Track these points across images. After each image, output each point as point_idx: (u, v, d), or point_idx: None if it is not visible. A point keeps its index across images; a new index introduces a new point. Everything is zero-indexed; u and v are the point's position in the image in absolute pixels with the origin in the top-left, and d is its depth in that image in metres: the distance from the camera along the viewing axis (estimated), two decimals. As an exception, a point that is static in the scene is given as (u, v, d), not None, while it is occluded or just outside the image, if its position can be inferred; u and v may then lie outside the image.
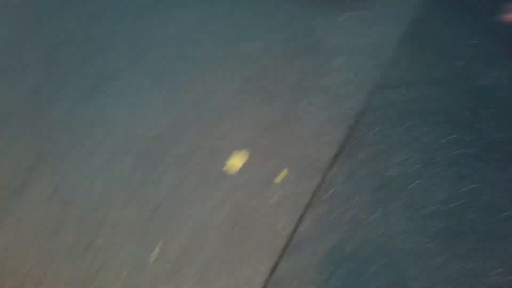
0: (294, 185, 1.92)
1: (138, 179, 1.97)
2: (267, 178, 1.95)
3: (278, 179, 1.95)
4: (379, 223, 1.78)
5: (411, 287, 1.67)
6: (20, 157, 2.09)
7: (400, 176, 1.92)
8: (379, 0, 2.87)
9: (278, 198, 1.88)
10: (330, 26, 2.68)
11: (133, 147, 2.08)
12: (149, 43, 2.59)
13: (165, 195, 1.91)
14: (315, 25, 2.69)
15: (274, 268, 1.71)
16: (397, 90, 2.29)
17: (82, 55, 2.56)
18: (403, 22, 2.69)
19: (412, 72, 2.38)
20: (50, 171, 2.02)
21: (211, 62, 2.45)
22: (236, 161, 2.01)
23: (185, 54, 2.51)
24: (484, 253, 1.71)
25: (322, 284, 1.68)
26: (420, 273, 1.68)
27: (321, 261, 1.72)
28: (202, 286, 1.71)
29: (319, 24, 2.70)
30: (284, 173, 1.96)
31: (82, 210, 1.89)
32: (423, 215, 1.79)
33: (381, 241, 1.74)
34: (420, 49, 2.51)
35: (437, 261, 1.70)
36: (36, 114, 2.26)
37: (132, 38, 2.62)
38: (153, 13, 2.78)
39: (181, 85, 2.33)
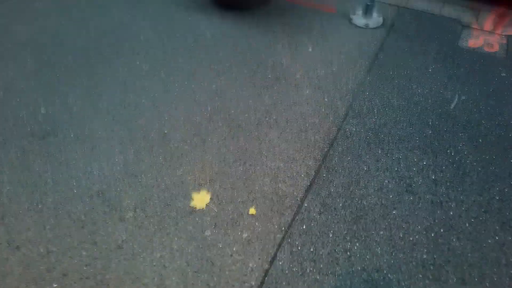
0: (266, 221, 1.77)
1: (95, 223, 1.76)
2: (236, 214, 1.80)
3: (246, 216, 1.79)
4: (358, 258, 1.63)
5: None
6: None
7: (377, 205, 1.81)
8: (343, 34, 2.95)
9: (248, 236, 1.72)
10: (296, 59, 2.69)
11: (85, 193, 1.89)
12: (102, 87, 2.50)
13: (126, 237, 1.71)
14: (281, 58, 2.70)
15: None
16: (367, 118, 2.25)
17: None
18: (367, 54, 2.75)
19: (381, 99, 2.37)
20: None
21: (170, 98, 2.37)
22: (201, 199, 1.85)
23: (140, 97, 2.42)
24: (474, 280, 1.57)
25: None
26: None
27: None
28: None
29: (285, 57, 2.71)
30: (252, 210, 1.81)
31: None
32: (404, 246, 1.66)
33: (362, 277, 1.58)
34: (386, 77, 2.53)
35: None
36: None
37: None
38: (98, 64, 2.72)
39: (139, 128, 2.22)
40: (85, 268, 1.60)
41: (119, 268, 1.60)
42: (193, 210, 1.79)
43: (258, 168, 1.99)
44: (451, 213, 1.77)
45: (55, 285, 1.55)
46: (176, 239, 1.70)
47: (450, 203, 1.80)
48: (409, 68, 2.61)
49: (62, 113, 2.23)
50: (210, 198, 1.85)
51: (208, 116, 2.25)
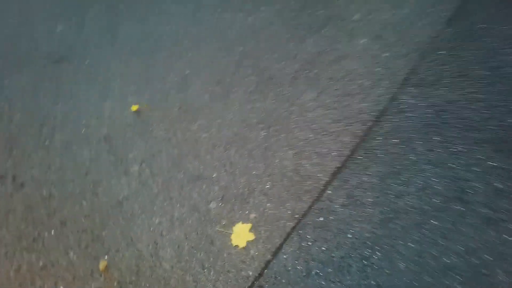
0: (279, 204, 1.55)
1: (99, 172, 1.66)
2: (247, 189, 1.59)
3: (258, 193, 1.58)
4: (375, 271, 1.40)
5: None
6: None
7: (414, 209, 1.50)
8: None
9: (256, 217, 1.53)
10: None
11: (92, 136, 1.74)
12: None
13: (128, 194, 1.59)
14: None
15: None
16: (433, 89, 1.79)
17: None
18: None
19: (458, 64, 1.85)
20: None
21: (196, 32, 2.01)
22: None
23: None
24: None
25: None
26: None
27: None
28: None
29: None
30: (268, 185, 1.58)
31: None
32: (435, 268, 1.39)
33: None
34: (472, 33, 1.94)
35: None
36: None
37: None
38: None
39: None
40: (83, 220, 1.54)
41: (116, 227, 1.52)
42: (200, 176, 1.61)
43: (283, 136, 1.70)
44: (508, 237, 1.42)
45: (52, 232, 1.52)
46: (178, 205, 1.55)
47: (509, 225, 1.44)
48: (508, 22, 1.97)
49: (79, 36, 2.01)
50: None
51: (237, 60, 1.91)
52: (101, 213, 1.55)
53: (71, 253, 1.47)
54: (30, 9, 2.09)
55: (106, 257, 1.46)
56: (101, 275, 1.42)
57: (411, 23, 2.00)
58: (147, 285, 1.39)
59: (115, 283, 1.40)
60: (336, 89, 1.82)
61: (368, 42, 1.95)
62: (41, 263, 1.45)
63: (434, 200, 1.51)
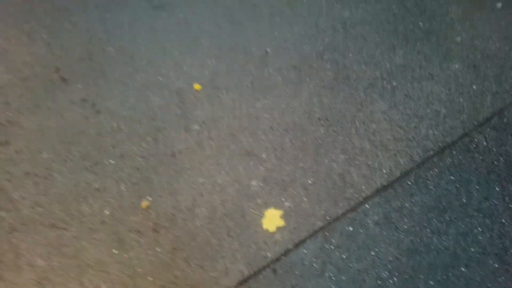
0: (315, 202, 1.59)
1: (164, 121, 1.80)
2: (290, 178, 1.64)
3: (298, 185, 1.63)
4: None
5: None
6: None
7: (448, 250, 1.46)
8: None
9: (289, 206, 1.59)
10: (471, 14, 1.98)
11: (167, 86, 1.87)
12: None
13: (182, 149, 1.73)
14: (451, 6, 2.02)
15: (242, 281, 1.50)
16: (503, 136, 1.67)
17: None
18: None
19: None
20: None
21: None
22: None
23: None
24: None
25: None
26: None
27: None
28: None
29: (458, 5, 2.02)
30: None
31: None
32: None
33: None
34: None
35: None
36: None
37: None
38: None
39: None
40: (139, 159, 1.70)
41: (164, 175, 1.67)
42: (251, 152, 1.69)
43: (340, 138, 1.71)
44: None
45: (112, 161, 1.70)
46: (223, 173, 1.66)
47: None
48: None
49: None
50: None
51: (319, 51, 1.91)
52: (155, 158, 1.70)
53: (122, 185, 1.65)
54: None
55: (149, 198, 1.62)
56: (141, 212, 1.59)
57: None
58: (177, 235, 1.53)
59: (151, 223, 1.56)
60: (409, 108, 1.76)
61: (461, 69, 1.84)
62: (96, 185, 1.65)
63: (471, 249, 1.46)
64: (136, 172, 1.68)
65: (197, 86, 1.84)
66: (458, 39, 1.92)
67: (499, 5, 2.01)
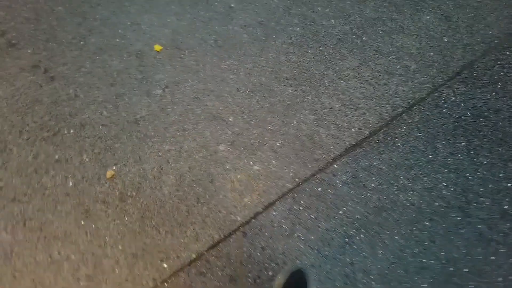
0: (284, 164, 1.57)
1: (124, 85, 1.70)
2: (258, 141, 1.61)
3: (267, 149, 1.59)
4: (354, 250, 1.44)
5: None
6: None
7: (413, 206, 1.49)
8: None
9: (259, 170, 1.57)
10: None
11: (125, 48, 1.74)
12: None
13: (145, 115, 1.65)
14: None
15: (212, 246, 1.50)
16: (480, 91, 1.66)
17: None
18: None
19: (508, 74, 1.68)
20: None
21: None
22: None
23: None
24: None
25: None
26: None
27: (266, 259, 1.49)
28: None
29: None
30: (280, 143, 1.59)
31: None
32: (410, 265, 1.42)
33: (345, 270, 1.43)
34: None
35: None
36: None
37: None
38: None
39: None
40: (101, 127, 1.62)
41: (129, 143, 1.60)
42: (217, 116, 1.63)
43: (308, 98, 1.66)
44: (493, 258, 1.42)
45: (71, 131, 1.62)
46: (190, 139, 1.60)
47: (500, 248, 1.42)
48: None
49: None
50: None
51: (287, 5, 1.80)
52: (117, 126, 1.63)
53: (84, 156, 1.59)
54: None
55: (114, 167, 1.57)
56: (106, 182, 1.54)
57: (489, 11, 1.79)
58: (144, 203, 1.50)
59: (117, 193, 1.52)
60: (379, 64, 1.71)
61: (433, 20, 1.78)
62: (56, 156, 1.58)
63: (436, 203, 1.49)
64: (98, 142, 1.60)
65: (157, 47, 1.73)
66: (431, -12, 1.83)
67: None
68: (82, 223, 1.49)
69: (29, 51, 1.72)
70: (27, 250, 1.45)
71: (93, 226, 1.49)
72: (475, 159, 1.55)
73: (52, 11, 1.78)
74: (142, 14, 1.78)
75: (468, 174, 1.53)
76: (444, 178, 1.52)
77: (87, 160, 1.58)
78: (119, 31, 1.75)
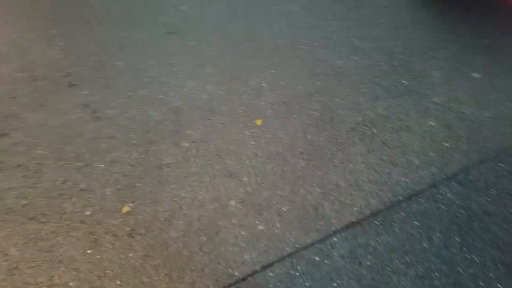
0: (287, 228, 1.68)
1: (158, 134, 1.91)
2: (266, 203, 1.74)
3: (274, 211, 1.72)
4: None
5: None
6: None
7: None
8: None
9: (263, 230, 1.67)
10: (452, 78, 2.18)
11: (166, 104, 2.00)
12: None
13: (170, 163, 1.83)
14: (432, 69, 2.22)
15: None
16: (477, 195, 1.80)
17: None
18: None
19: (502, 183, 1.83)
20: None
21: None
22: (247, 169, 1.82)
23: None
24: None
25: None
26: None
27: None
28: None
29: (439, 71, 2.22)
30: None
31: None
32: None
33: None
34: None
35: None
36: None
37: None
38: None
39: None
40: (128, 166, 1.80)
41: (149, 184, 1.76)
42: (233, 174, 1.79)
43: (318, 173, 1.83)
44: None
45: (101, 165, 1.80)
46: (204, 190, 1.75)
47: None
48: None
49: (196, 15, 2.31)
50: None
51: (310, 92, 2.08)
52: (143, 167, 1.80)
53: (107, 189, 1.74)
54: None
55: (131, 204, 1.70)
56: (120, 217, 1.66)
57: (488, 127, 2.02)
58: (151, 243, 1.59)
59: (128, 228, 1.63)
60: (385, 155, 1.90)
61: (436, 126, 2.01)
62: (82, 185, 1.73)
63: (427, 292, 1.53)
64: (122, 178, 1.76)
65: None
66: (436, 99, 2.10)
67: (476, 75, 2.22)
68: (89, 251, 1.58)
69: (85, 92, 1.99)
70: (30, 269, 1.53)
71: (98, 256, 1.57)
72: (467, 256, 1.63)
73: (114, 64, 2.10)
74: (186, 79, 2.08)
75: (460, 269, 1.59)
76: (437, 269, 1.59)
77: (108, 193, 1.73)
78: (165, 89, 2.03)
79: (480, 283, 1.56)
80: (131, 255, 1.58)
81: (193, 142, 1.88)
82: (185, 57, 2.13)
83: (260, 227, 1.67)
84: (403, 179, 1.83)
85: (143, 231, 1.63)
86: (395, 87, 2.14)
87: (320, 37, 2.26)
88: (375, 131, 1.98)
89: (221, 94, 2.03)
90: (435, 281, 1.56)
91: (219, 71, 2.10)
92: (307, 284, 1.54)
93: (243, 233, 1.66)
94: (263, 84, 2.09)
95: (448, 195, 1.79)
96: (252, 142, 1.90)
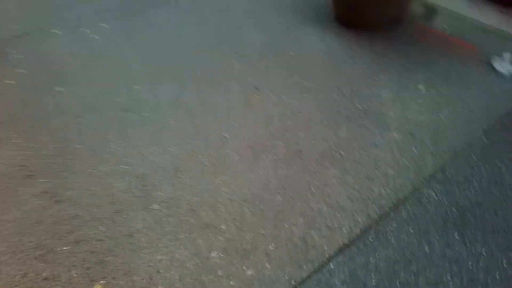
0: (278, 266, 1.52)
1: (124, 203, 1.81)
2: (250, 246, 1.60)
3: (261, 252, 1.58)
4: None
5: None
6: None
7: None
8: (473, 79, 2.40)
9: (252, 275, 1.50)
10: (400, 96, 2.30)
11: (130, 173, 1.95)
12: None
13: (141, 228, 1.70)
14: (382, 90, 2.34)
15: None
16: (460, 189, 1.76)
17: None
18: (497, 110, 2.17)
19: (490, 172, 1.82)
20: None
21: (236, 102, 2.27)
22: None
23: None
24: None
25: None
26: None
27: None
28: None
29: (387, 90, 2.34)
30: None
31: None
32: None
33: None
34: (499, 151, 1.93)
35: None
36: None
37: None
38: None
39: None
40: (95, 242, 1.64)
41: (121, 256, 1.59)
42: (210, 224, 1.67)
43: (297, 204, 1.74)
44: None
45: (64, 248, 1.63)
46: (182, 248, 1.60)
47: None
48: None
49: (149, 92, 2.37)
50: (234, 219, 1.69)
51: (272, 133, 2.09)
52: (112, 240, 1.64)
53: (73, 271, 1.55)
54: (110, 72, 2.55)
55: (102, 281, 1.51)
56: (92, 297, 1.46)
57: (447, 128, 2.07)
58: (130, 316, 1.38)
59: (102, 307, 1.42)
60: (359, 172, 1.87)
61: (400, 137, 2.04)
62: (45, 274, 1.54)
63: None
64: (90, 256, 1.60)
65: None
66: (392, 113, 2.17)
67: (421, 86, 2.35)
68: None
69: (42, 180, 1.90)
70: None
71: None
72: (473, 251, 1.52)
73: (74, 149, 2.05)
74: (147, 147, 2.05)
75: (470, 266, 1.46)
76: (447, 271, 1.45)
77: (75, 275, 1.54)
78: (126, 160, 1.98)
79: (496, 276, 1.43)
80: None
81: (163, 202, 1.78)
82: (143, 128, 2.14)
83: (249, 272, 1.51)
84: (383, 190, 1.78)
85: (119, 308, 1.43)
86: (352, 112, 2.20)
87: (271, 85, 2.38)
88: (344, 153, 1.97)
89: (185, 152, 2.00)
90: (450, 285, 1.42)
91: (179, 134, 2.10)
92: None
93: (232, 283, 1.49)
94: (225, 135, 2.09)
95: (433, 195, 1.74)
96: (224, 189, 1.82)
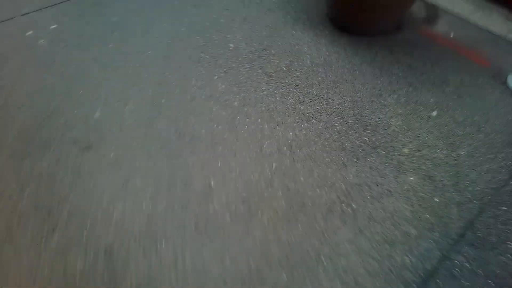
0: None
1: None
2: None
3: None
4: None
5: None
6: None
7: None
8: (490, 101, 2.13)
9: None
10: (411, 123, 1.98)
11: (92, 245, 1.55)
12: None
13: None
14: (390, 117, 2.02)
15: None
16: (493, 253, 1.50)
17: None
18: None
19: (510, 227, 1.57)
20: None
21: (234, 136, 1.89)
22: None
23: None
24: None
25: None
26: None
27: None
28: None
29: (396, 117, 2.02)
30: None
31: None
32: None
33: None
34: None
35: None
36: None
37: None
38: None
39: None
40: None
41: None
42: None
43: (307, 282, 1.42)
44: None
45: None
46: None
47: None
48: None
49: (113, 125, 1.93)
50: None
51: (268, 178, 1.74)
52: None
53: None
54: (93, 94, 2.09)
55: None
56: None
57: (468, 168, 1.80)
58: None
59: None
60: (376, 233, 1.57)
61: (417, 181, 1.74)
62: None
63: None
64: None
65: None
66: (406, 150, 1.87)
67: (434, 113, 2.05)
68: None
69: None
70: None
71: None
72: None
73: (14, 211, 1.62)
74: (114, 202, 1.64)
75: None
76: None
77: None
78: (86, 223, 1.57)
79: None
80: None
81: (139, 286, 1.41)
82: (107, 174, 1.72)
83: None
84: (407, 259, 1.49)
85: None
86: (359, 147, 1.88)
87: (260, 111, 2.00)
88: (355, 206, 1.65)
89: (161, 210, 1.62)
90: None
91: (152, 182, 1.71)
92: None
93: None
94: (211, 183, 1.72)
95: (466, 265, 1.47)
96: (215, 265, 1.47)
